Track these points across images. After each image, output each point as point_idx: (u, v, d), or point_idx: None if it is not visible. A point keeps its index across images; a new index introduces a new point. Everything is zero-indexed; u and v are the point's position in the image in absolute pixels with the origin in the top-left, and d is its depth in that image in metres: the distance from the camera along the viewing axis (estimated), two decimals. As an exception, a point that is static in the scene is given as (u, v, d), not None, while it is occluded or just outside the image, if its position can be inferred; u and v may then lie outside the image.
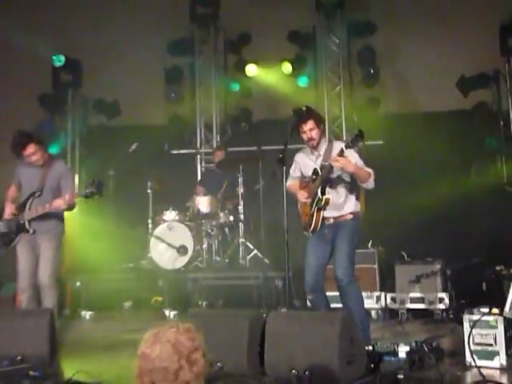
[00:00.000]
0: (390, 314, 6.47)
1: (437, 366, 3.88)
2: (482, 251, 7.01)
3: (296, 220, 5.10)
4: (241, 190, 7.80)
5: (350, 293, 4.77)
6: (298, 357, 3.63)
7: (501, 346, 3.80)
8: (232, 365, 3.78)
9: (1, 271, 8.12)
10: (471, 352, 3.85)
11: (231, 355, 3.81)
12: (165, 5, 8.82)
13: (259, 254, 7.59)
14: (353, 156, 4.76)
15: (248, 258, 7.72)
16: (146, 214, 7.90)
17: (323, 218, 4.86)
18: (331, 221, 4.89)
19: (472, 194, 7.56)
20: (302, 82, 8.55)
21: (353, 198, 4.92)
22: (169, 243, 7.38)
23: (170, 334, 2.18)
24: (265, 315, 4.14)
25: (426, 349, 4.02)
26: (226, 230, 7.89)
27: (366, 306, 5.19)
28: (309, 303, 6.61)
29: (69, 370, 4.29)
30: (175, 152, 8.94)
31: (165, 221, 7.54)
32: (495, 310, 3.97)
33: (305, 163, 5.08)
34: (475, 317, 3.91)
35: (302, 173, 5.12)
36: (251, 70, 8.86)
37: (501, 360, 3.79)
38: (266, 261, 7.44)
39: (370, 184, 4.81)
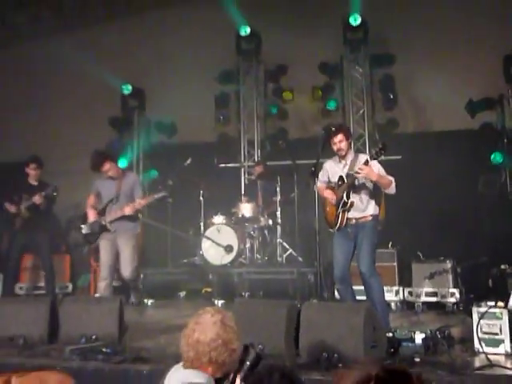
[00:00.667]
0: (407, 305, 6.38)
1: (449, 352, 3.82)
2: (488, 252, 6.86)
3: (325, 223, 5.10)
4: (278, 198, 7.80)
5: (373, 284, 4.76)
6: (328, 341, 3.62)
7: (506, 335, 3.73)
8: (271, 347, 3.78)
9: (77, 265, 8.36)
10: (479, 340, 3.78)
11: (271, 339, 3.82)
12: (215, 41, 8.90)
13: (294, 253, 7.59)
14: (375, 166, 4.76)
15: (284, 256, 7.72)
16: (198, 217, 7.95)
17: (347, 219, 4.86)
18: (354, 221, 4.88)
19: (479, 203, 7.43)
20: (331, 105, 8.52)
21: (373, 202, 4.91)
22: (217, 243, 7.40)
23: (210, 317, 2.36)
24: (299, 305, 4.14)
25: (439, 336, 3.96)
26: (266, 231, 7.89)
27: (386, 298, 5.16)
28: (337, 294, 6.62)
29: (134, 347, 4.35)
30: (223, 165, 8.98)
31: (214, 224, 7.57)
32: (500, 304, 3.90)
33: (333, 170, 5.07)
34: (483, 309, 3.84)
35: (328, 178, 5.11)
36: (287, 95, 8.89)
37: (506, 347, 3.72)
38: (300, 258, 7.44)
39: (392, 190, 4.82)
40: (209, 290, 7.44)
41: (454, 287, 6.20)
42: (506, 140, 7.67)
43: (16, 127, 9.52)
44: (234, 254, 7.38)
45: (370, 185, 4.88)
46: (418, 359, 3.54)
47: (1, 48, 10.13)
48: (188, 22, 9.06)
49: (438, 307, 6.21)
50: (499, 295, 4.43)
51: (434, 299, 6.25)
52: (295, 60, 8.84)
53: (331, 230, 5.02)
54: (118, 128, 9.37)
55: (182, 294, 7.58)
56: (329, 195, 4.98)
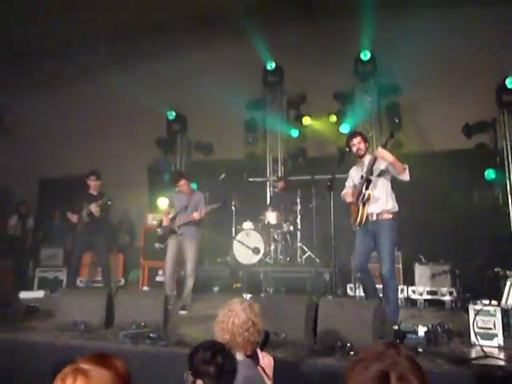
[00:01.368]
0: (411, 302, 6.29)
1: (448, 344, 3.77)
2: (483, 256, 6.73)
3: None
4: (298, 208, 7.81)
5: (391, 286, 4.62)
6: (342, 332, 3.60)
7: (498, 330, 3.65)
8: (293, 335, 3.79)
9: (128, 263, 8.47)
10: (475, 334, 3.71)
11: (292, 328, 3.82)
12: (246, 74, 8.95)
13: (312, 255, 7.56)
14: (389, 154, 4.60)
15: (303, 257, 7.70)
16: (230, 223, 8.02)
17: (367, 215, 4.64)
18: (374, 217, 4.64)
19: (475, 213, 7.30)
20: (344, 128, 8.49)
21: (391, 199, 4.70)
22: (246, 245, 7.44)
23: (240, 305, 2.43)
24: (316, 300, 4.12)
25: (439, 330, 3.89)
26: (288, 236, 7.88)
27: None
28: (349, 291, 6.57)
29: (176, 333, 4.39)
30: (251, 180, 8.99)
31: (244, 229, 7.61)
32: (494, 302, 3.83)
33: (355, 174, 4.97)
34: (478, 307, 3.76)
35: (353, 183, 4.96)
36: (306, 120, 8.90)
37: (499, 341, 3.63)
38: (317, 260, 7.41)
39: (406, 176, 4.58)
40: (239, 285, 7.47)
41: (453, 287, 6.11)
42: (498, 158, 7.58)
43: (79, 146, 9.72)
44: (260, 255, 7.40)
45: (387, 179, 4.70)
46: (420, 350, 3.47)
47: (66, 80, 10.43)
48: (223, 59, 9.16)
49: (438, 304, 6.11)
50: (493, 295, 4.34)
51: (434, 297, 6.17)
52: (313, 90, 8.85)
53: (354, 228, 4.80)
54: (163, 147, 9.54)
55: (216, 288, 7.61)
56: (349, 197, 4.83)
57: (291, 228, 7.72)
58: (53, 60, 10.27)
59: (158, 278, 7.69)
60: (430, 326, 3.98)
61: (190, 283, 5.93)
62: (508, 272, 5.45)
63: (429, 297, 6.19)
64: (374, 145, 8.30)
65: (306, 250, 7.66)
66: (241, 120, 9.19)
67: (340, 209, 5.09)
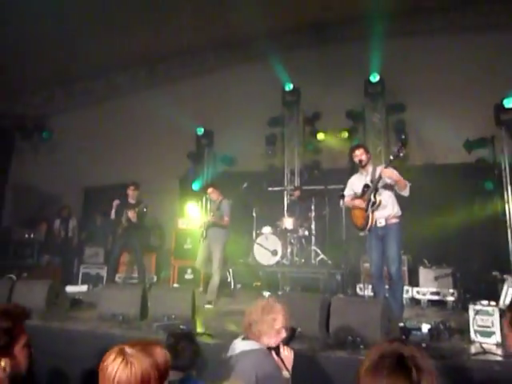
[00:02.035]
0: (415, 302, 6.21)
1: (450, 340, 3.73)
2: (482, 260, 6.63)
3: (350, 234, 5.02)
4: (313, 214, 7.78)
5: (398, 286, 4.60)
6: (352, 328, 3.58)
7: (496, 328, 3.59)
8: (308, 330, 3.79)
9: (161, 262, 8.57)
10: (475, 331, 3.65)
11: (307, 324, 3.82)
12: (266, 94, 9.01)
13: (324, 257, 7.51)
14: (394, 171, 4.54)
15: (317, 259, 7.64)
16: (251, 228, 8.04)
17: (376, 220, 4.59)
18: (383, 222, 4.58)
19: (475, 221, 7.17)
20: (355, 143, 8.47)
21: (396, 204, 4.64)
22: (266, 248, 7.46)
23: (261, 303, 2.50)
24: (329, 298, 4.12)
25: (441, 327, 3.85)
26: (303, 240, 7.85)
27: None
28: (358, 290, 6.52)
29: (203, 325, 4.43)
30: (270, 189, 9.04)
31: (263, 233, 7.63)
32: (492, 303, 3.77)
33: (356, 183, 4.88)
34: (478, 307, 3.71)
35: (354, 191, 4.91)
36: (320, 136, 8.91)
37: (496, 338, 3.57)
38: (329, 262, 7.36)
39: (407, 192, 4.53)
40: (258, 283, 7.49)
41: (454, 288, 6.02)
42: (496, 171, 7.47)
43: (119, 159, 9.91)
44: (278, 256, 7.41)
45: (391, 188, 4.64)
46: (424, 345, 3.45)
47: (106, 100, 10.68)
48: (245, 80, 9.23)
49: (440, 304, 6.04)
50: (491, 296, 4.27)
51: (437, 297, 6.09)
52: (327, 108, 8.86)
53: (363, 233, 4.74)
54: (192, 160, 9.66)
55: (238, 286, 7.60)
56: (358, 202, 4.73)
57: (306, 233, 7.70)
58: (97, 82, 10.55)
59: (187, 276, 7.77)
60: (433, 323, 3.94)
61: (215, 280, 5.95)
62: (505, 276, 5.34)
63: (432, 297, 6.11)
64: (383, 158, 8.28)
65: (320, 252, 7.62)
66: (262, 135, 9.22)
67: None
